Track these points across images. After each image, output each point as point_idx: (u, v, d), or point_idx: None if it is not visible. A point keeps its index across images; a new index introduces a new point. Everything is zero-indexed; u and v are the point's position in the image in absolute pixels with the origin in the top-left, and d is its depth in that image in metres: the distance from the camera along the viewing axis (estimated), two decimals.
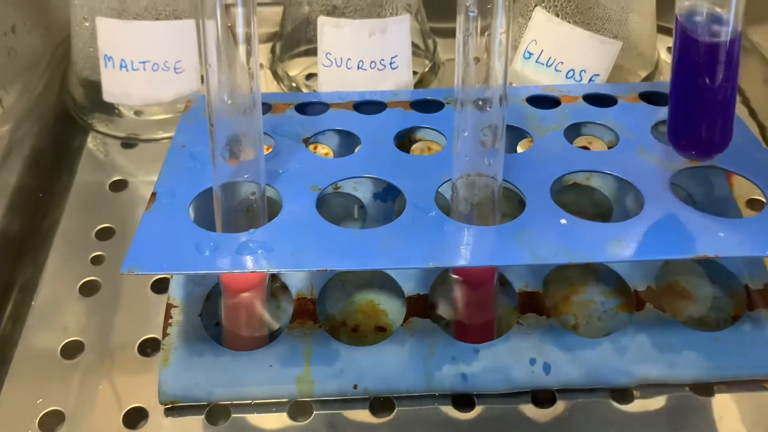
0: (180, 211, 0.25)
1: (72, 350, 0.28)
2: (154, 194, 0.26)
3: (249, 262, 0.23)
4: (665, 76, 0.39)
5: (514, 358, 0.26)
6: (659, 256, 0.23)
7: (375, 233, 0.24)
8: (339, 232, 0.25)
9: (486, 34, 0.23)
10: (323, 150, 0.33)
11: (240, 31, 0.23)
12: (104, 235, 0.33)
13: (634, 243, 0.24)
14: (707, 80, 0.24)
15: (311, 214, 0.25)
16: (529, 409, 0.26)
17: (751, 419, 0.26)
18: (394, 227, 0.25)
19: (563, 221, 0.25)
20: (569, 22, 0.34)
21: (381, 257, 0.23)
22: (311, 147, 0.32)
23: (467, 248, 0.24)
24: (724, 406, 0.26)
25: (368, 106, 0.32)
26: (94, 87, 0.36)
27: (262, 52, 0.42)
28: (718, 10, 0.23)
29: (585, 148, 0.35)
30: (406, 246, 0.24)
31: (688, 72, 0.24)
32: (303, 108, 0.32)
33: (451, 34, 0.42)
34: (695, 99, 0.24)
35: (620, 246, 0.23)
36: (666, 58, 0.41)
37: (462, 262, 0.23)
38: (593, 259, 0.23)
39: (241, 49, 0.24)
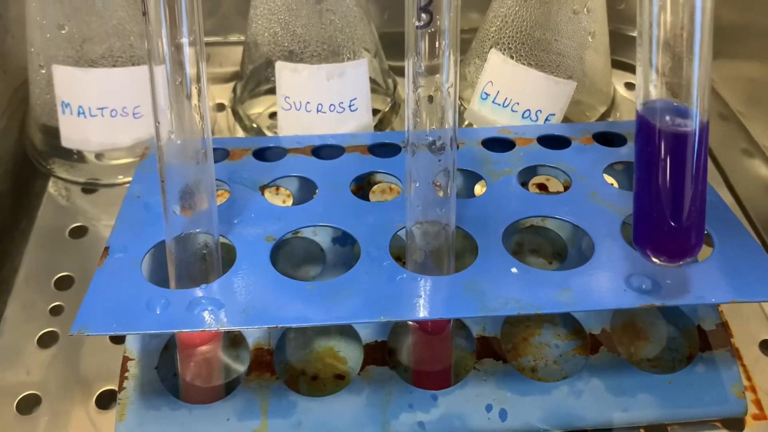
0: (132, 267, 0.25)
1: (29, 404, 0.28)
2: (106, 249, 0.26)
3: (199, 320, 0.23)
4: (621, 111, 0.40)
5: (471, 405, 0.26)
6: (607, 306, 0.24)
7: (328, 286, 0.25)
8: (291, 285, 0.25)
9: (433, 89, 0.23)
10: (284, 192, 0.34)
11: (188, 80, 0.23)
12: (64, 284, 0.33)
13: (583, 292, 0.24)
14: (675, 177, 0.21)
15: (264, 266, 0.25)
16: None
17: None
18: (347, 279, 0.25)
19: (514, 270, 0.25)
20: (524, 62, 0.34)
21: (333, 312, 0.23)
22: (273, 189, 0.32)
23: (419, 301, 0.24)
24: None
25: (326, 150, 0.32)
26: (53, 132, 0.36)
27: (225, 92, 0.42)
28: (681, 103, 0.21)
29: (542, 185, 0.35)
30: (359, 299, 0.24)
31: (653, 169, 0.22)
32: (261, 153, 0.32)
33: None
34: (662, 198, 0.22)
35: (569, 295, 0.24)
36: (623, 93, 0.42)
37: (413, 316, 0.24)
38: (542, 311, 0.23)
39: (192, 97, 0.24)
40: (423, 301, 0.24)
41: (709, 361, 0.27)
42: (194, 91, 0.24)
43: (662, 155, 0.22)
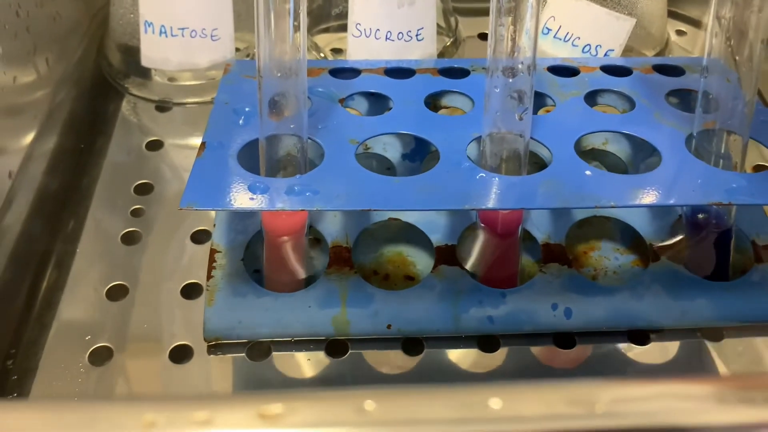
0: (229, 158, 0.27)
1: (117, 293, 0.30)
2: (203, 143, 0.28)
3: (299, 201, 0.25)
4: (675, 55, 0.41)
5: (537, 303, 0.28)
6: (679, 202, 0.25)
7: (413, 180, 0.26)
8: (379, 179, 0.26)
9: None
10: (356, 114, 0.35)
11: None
12: (143, 190, 0.34)
13: (656, 191, 0.25)
14: None
15: (352, 163, 0.27)
16: (552, 351, 0.28)
17: (756, 361, 0.28)
18: (430, 176, 0.26)
19: (588, 173, 0.26)
20: None
21: (421, 200, 0.25)
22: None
23: (500, 194, 0.25)
24: (732, 349, 0.28)
25: (398, 72, 0.34)
26: (131, 52, 0.37)
27: None
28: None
29: None
30: (443, 191, 0.26)
31: None
32: (336, 73, 0.33)
33: (472, 12, 0.44)
34: None
35: (643, 193, 0.25)
36: (676, 40, 0.44)
37: (496, 205, 0.25)
38: (618, 204, 0.25)
39: (290, 11, 0.25)
40: (504, 194, 0.25)
41: (764, 273, 0.29)
42: (294, 8, 0.25)
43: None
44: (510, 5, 0.25)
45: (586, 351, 0.28)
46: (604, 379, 0.13)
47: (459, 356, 0.28)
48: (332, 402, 0.13)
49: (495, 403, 0.11)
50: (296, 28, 0.26)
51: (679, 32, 0.45)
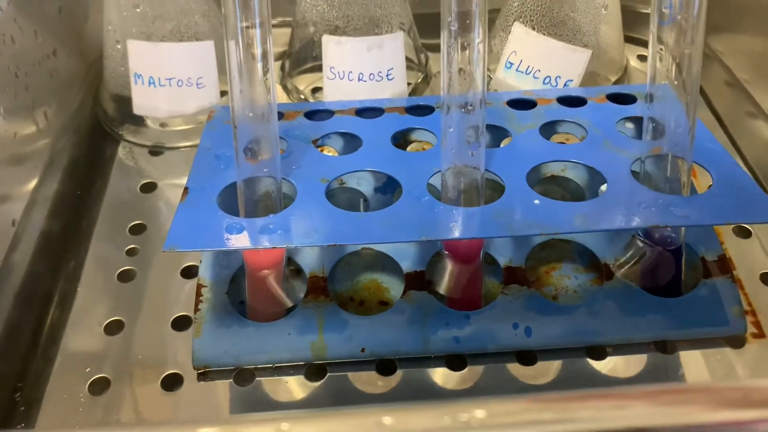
0: (209, 202, 0.29)
1: (114, 328, 0.32)
2: (186, 189, 0.30)
3: (271, 240, 0.27)
4: (633, 81, 0.43)
5: (499, 323, 0.30)
6: (618, 226, 0.27)
7: (376, 215, 0.29)
8: (345, 215, 0.29)
9: (466, 44, 0.27)
10: (330, 152, 0.38)
11: (258, 49, 0.28)
12: (137, 230, 0.37)
13: (598, 217, 0.28)
14: None
15: (321, 201, 0.29)
16: (515, 368, 0.30)
17: (708, 372, 0.30)
18: (392, 210, 0.29)
19: (536, 201, 0.29)
20: (545, 34, 0.38)
21: (383, 233, 0.28)
22: (320, 149, 0.36)
23: (455, 224, 0.28)
24: (685, 361, 0.30)
25: (368, 112, 0.36)
26: (124, 102, 0.40)
27: None
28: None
29: (562, 144, 0.39)
30: (404, 224, 0.28)
31: None
32: (311, 115, 0.36)
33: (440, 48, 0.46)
34: None
35: (585, 219, 0.28)
36: (636, 64, 0.46)
37: (450, 235, 0.28)
38: (560, 230, 0.27)
39: (259, 64, 0.28)
40: (458, 224, 0.28)
41: (711, 287, 0.31)
42: (263, 60, 0.28)
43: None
44: (459, 42, 0.28)
45: (546, 367, 0.30)
46: (486, 397, 0.15)
47: (430, 375, 0.30)
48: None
49: (387, 420, 0.13)
50: (265, 74, 0.28)
51: (641, 57, 0.47)
